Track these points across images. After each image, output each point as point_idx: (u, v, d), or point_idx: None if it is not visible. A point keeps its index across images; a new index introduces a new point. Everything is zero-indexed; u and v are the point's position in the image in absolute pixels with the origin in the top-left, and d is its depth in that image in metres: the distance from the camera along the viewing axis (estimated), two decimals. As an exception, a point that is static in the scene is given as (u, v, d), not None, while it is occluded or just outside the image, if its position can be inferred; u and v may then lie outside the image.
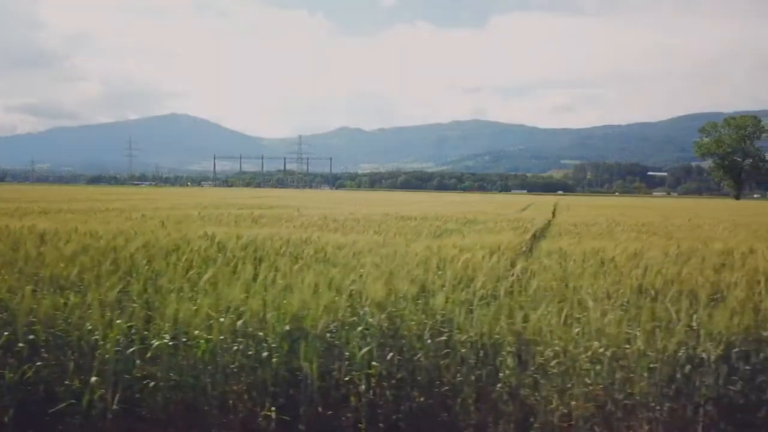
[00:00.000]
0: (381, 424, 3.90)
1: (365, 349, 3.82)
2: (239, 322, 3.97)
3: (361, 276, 4.85)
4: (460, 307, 4.16)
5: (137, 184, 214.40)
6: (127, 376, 3.83)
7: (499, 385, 3.89)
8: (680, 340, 3.86)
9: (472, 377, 3.89)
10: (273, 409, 3.74)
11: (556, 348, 3.95)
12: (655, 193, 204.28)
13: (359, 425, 3.90)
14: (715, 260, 6.21)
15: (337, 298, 4.09)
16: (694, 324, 3.98)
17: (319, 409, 3.79)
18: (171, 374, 3.92)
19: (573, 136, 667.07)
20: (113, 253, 5.63)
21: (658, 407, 3.79)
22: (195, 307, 4.06)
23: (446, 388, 3.95)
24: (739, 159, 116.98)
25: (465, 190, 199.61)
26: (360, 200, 38.09)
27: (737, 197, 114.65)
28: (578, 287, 4.85)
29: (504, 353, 3.91)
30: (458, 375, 3.89)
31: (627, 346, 3.88)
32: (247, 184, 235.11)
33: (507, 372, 3.87)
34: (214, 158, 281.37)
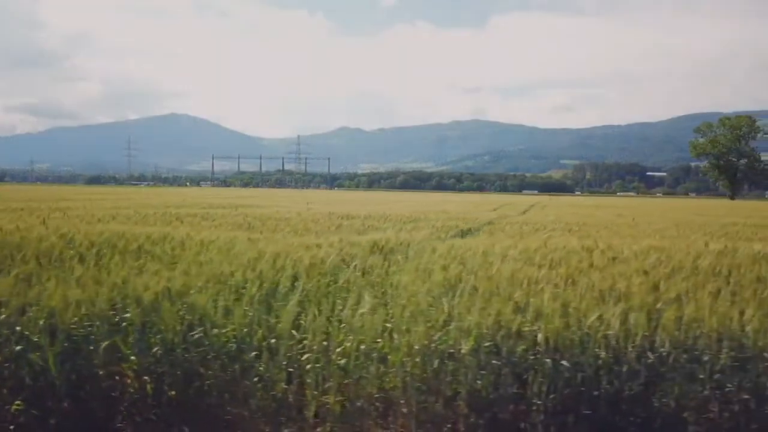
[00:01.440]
0: (137, 419, 3.91)
1: (106, 343, 3.84)
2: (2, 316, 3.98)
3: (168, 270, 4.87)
4: (233, 303, 4.17)
5: (136, 184, 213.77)
6: None
7: (255, 379, 3.90)
8: (435, 334, 3.86)
9: (228, 372, 3.90)
10: (19, 403, 3.76)
11: (323, 343, 3.96)
12: (657, 194, 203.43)
13: (120, 419, 3.92)
14: (556, 256, 6.19)
15: (100, 291, 4.10)
16: (454, 318, 3.98)
17: (65, 404, 3.80)
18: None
19: (573, 136, 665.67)
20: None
21: (404, 401, 3.80)
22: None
23: (208, 382, 3.96)
24: (734, 159, 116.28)
25: (462, 190, 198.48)
26: (332, 200, 38.14)
27: (732, 197, 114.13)
28: (382, 282, 4.86)
29: (260, 348, 3.92)
30: (210, 370, 3.90)
31: (379, 340, 3.89)
32: (246, 184, 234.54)
33: (262, 367, 3.88)
34: (213, 158, 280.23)
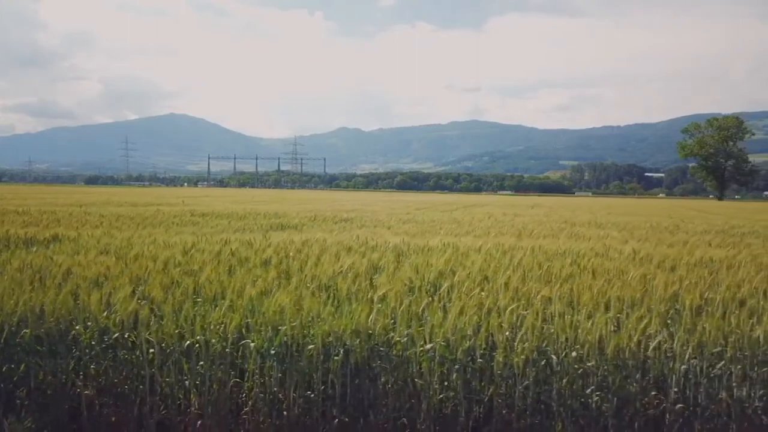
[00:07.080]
0: None
1: None
2: None
3: None
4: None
5: (134, 185, 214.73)
6: None
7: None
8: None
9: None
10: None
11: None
12: (660, 195, 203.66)
13: None
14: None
15: None
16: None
17: None
18: None
19: (571, 136, 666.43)
20: None
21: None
22: None
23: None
24: (722, 160, 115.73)
25: (459, 191, 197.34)
26: (243, 199, 38.77)
27: (720, 198, 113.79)
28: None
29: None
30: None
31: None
32: (242, 185, 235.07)
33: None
34: (209, 158, 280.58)
